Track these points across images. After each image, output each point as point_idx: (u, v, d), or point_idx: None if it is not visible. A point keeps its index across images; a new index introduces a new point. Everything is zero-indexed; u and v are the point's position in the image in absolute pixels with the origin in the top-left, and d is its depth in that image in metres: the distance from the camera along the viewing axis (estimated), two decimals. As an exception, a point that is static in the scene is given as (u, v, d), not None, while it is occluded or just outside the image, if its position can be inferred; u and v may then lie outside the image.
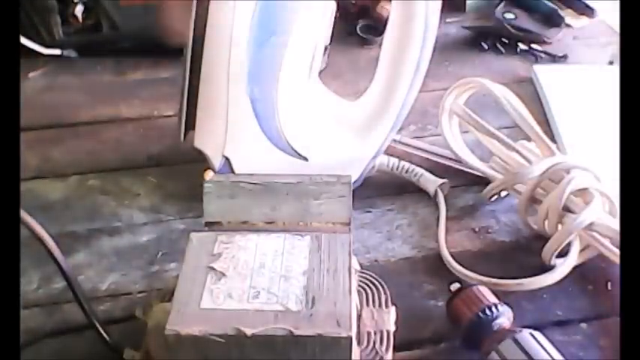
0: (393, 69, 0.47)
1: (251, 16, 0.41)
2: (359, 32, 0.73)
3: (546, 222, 0.46)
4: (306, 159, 0.48)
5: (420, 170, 0.53)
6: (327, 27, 0.48)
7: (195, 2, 0.41)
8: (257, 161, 0.46)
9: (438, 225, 0.49)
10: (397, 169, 0.54)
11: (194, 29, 0.42)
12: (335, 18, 0.49)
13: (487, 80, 0.51)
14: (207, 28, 0.42)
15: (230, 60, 0.42)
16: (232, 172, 0.47)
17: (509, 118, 0.50)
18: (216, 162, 0.47)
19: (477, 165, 0.51)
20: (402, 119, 0.50)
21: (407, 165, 0.54)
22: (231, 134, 0.45)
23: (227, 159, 0.46)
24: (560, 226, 0.45)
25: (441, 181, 0.52)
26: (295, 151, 0.47)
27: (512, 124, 0.51)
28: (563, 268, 0.44)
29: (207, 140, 0.47)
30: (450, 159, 0.54)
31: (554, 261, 0.45)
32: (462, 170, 0.53)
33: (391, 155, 0.54)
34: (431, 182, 0.52)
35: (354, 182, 0.50)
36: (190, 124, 0.45)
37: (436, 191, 0.52)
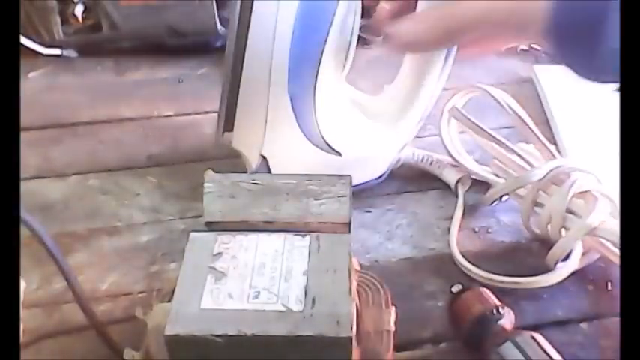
0: (421, 58, 0.47)
1: (294, 13, 0.42)
2: (359, 32, 0.72)
3: (549, 226, 0.45)
4: (339, 154, 0.48)
5: (444, 162, 0.53)
6: (357, 24, 0.48)
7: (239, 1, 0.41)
8: (293, 160, 0.47)
9: (452, 219, 0.50)
10: (422, 161, 0.54)
11: (237, 27, 0.42)
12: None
13: (488, 86, 0.51)
14: (250, 26, 0.42)
15: (273, 58, 0.43)
16: (269, 172, 0.47)
17: (509, 118, 0.50)
18: (254, 162, 0.47)
19: (476, 169, 0.51)
20: (429, 110, 0.50)
21: (433, 157, 0.54)
22: (269, 134, 0.46)
23: (264, 159, 0.47)
24: (563, 230, 0.44)
25: (461, 174, 0.52)
26: (330, 147, 0.47)
27: (513, 124, 0.51)
28: (563, 270, 0.44)
29: (246, 140, 0.47)
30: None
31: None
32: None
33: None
34: (452, 175, 0.53)
35: (380, 176, 0.51)
36: (228, 126, 0.46)
37: (456, 185, 0.52)
